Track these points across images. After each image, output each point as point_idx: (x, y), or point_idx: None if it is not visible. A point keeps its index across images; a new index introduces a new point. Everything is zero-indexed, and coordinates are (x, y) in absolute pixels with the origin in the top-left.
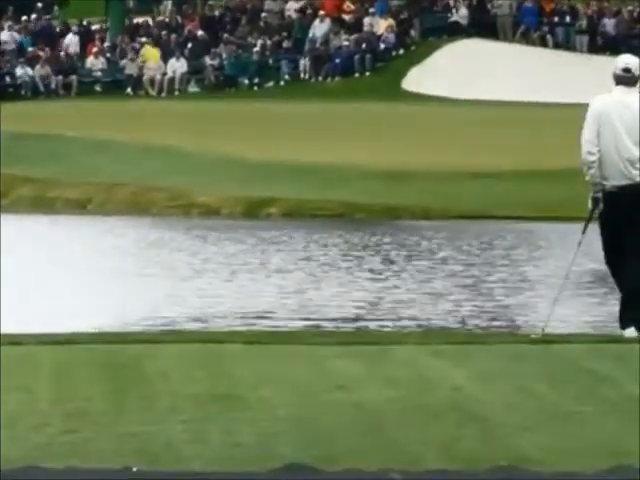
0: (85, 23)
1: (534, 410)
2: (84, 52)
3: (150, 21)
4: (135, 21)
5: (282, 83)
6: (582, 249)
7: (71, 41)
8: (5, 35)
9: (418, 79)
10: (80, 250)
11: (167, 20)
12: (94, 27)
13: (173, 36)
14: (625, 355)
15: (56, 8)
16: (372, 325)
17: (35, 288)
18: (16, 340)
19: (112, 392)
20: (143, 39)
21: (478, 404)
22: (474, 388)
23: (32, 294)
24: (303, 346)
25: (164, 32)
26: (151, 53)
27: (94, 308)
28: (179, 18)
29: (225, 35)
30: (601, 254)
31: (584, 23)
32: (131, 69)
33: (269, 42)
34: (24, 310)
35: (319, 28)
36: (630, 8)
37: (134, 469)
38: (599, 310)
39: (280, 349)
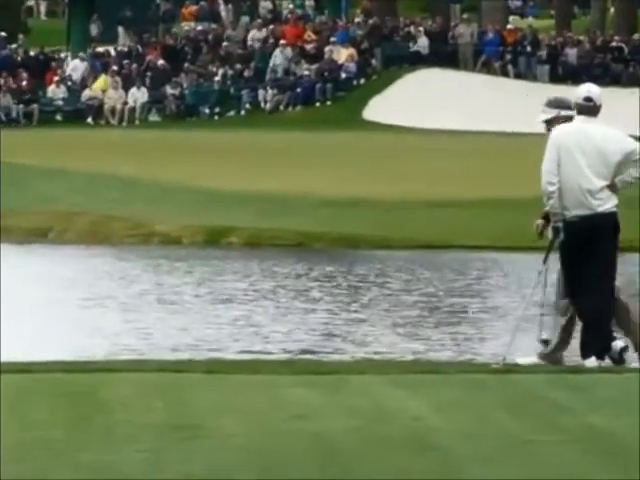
0: (46, 51)
1: (494, 440)
2: (44, 81)
3: (112, 50)
4: (97, 50)
5: (243, 112)
6: (543, 279)
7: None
8: None
9: (379, 108)
10: (39, 279)
11: (128, 49)
12: (56, 55)
13: (134, 65)
14: (585, 385)
15: (21, 36)
16: (329, 356)
17: None
18: None
19: (70, 421)
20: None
21: (437, 434)
22: (433, 418)
23: None
24: (261, 376)
25: (125, 61)
26: (99, 83)
27: (52, 337)
28: (140, 47)
29: (186, 64)
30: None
31: (544, 53)
32: (92, 98)
33: (230, 71)
34: None
35: (280, 57)
36: (592, 37)
37: None
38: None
39: (238, 379)
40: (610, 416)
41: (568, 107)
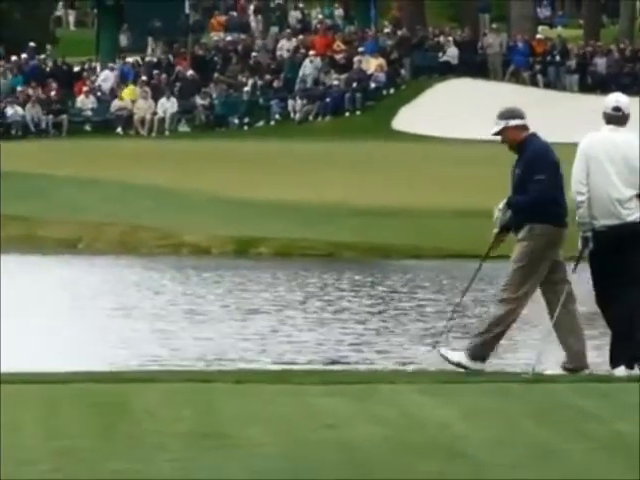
0: (69, 62)
1: (522, 448)
2: (73, 91)
3: (141, 60)
4: (126, 60)
5: (272, 122)
6: (573, 288)
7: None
8: None
9: (408, 118)
10: (67, 290)
11: (157, 59)
12: (85, 66)
13: (163, 76)
14: (612, 393)
15: (49, 47)
16: (358, 367)
17: (22, 327)
18: (4, 379)
19: (99, 430)
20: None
21: (466, 442)
22: (461, 426)
23: (19, 333)
24: (290, 385)
25: (155, 71)
26: (127, 92)
27: (80, 347)
28: (171, 57)
29: (215, 75)
30: (592, 293)
31: (574, 63)
32: (121, 109)
33: (260, 81)
34: (11, 349)
35: (309, 67)
36: (622, 46)
37: None
38: (589, 350)
39: (267, 388)
40: (637, 423)
41: (517, 116)
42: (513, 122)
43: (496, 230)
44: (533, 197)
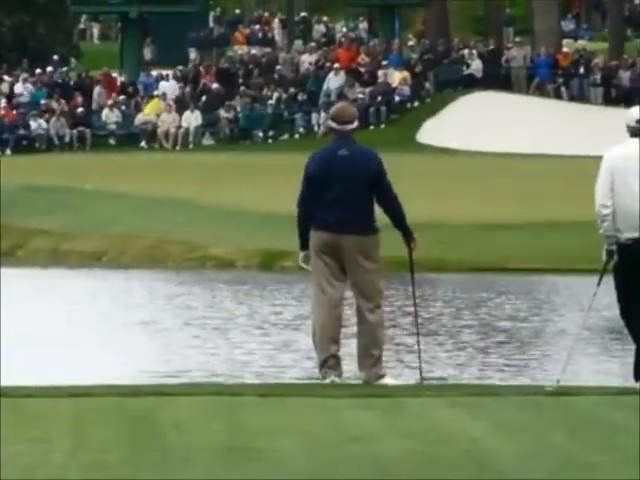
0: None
1: (551, 461)
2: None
3: (164, 74)
4: (151, 74)
5: (296, 136)
6: (597, 302)
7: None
8: (20, 87)
9: (432, 131)
10: (93, 303)
11: (182, 73)
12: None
13: (188, 89)
14: None
15: (73, 60)
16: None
17: (49, 341)
18: (32, 393)
19: (128, 444)
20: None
21: (495, 456)
22: (491, 440)
23: (46, 347)
24: (317, 398)
25: (179, 85)
26: (151, 106)
27: (106, 361)
28: (202, 69)
29: (241, 88)
30: (616, 306)
31: (598, 77)
32: (145, 122)
33: (284, 95)
34: (38, 363)
35: (334, 81)
36: None
37: None
38: (614, 363)
39: (294, 401)
40: None
41: (331, 118)
42: (328, 122)
43: None
44: None
